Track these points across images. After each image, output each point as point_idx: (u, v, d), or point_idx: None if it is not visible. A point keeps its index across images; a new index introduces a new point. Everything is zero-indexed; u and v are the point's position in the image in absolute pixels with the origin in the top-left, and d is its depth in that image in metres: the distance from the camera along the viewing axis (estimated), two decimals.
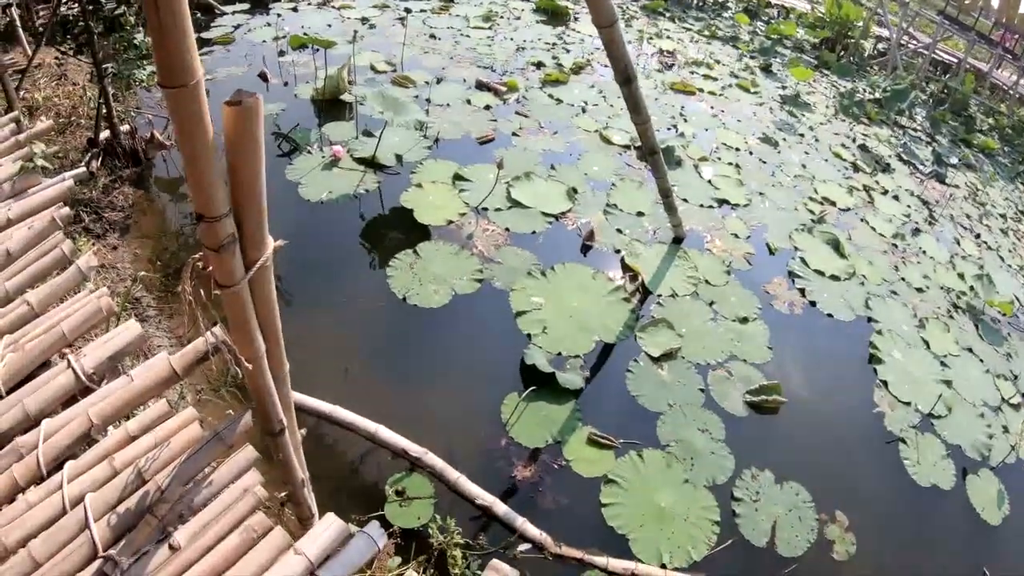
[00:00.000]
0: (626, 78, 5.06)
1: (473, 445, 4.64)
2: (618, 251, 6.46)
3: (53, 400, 2.94)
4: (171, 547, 2.59)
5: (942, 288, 7.81)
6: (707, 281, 6.31)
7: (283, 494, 3.79)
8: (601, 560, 4.15)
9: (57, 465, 2.74)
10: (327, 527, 2.79)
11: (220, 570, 2.58)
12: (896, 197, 9.47)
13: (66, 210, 4.12)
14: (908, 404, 5.97)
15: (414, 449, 4.28)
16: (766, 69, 13.20)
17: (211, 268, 2.02)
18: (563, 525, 4.30)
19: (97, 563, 2.47)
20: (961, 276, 8.22)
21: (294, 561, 2.64)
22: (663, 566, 4.30)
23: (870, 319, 6.66)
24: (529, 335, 5.37)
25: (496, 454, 4.60)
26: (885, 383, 6.05)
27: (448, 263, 5.81)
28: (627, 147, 8.28)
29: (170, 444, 2.85)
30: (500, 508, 4.17)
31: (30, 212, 4.04)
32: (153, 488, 2.66)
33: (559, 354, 5.31)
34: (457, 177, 6.82)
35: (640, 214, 7.04)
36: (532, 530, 4.15)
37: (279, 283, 5.39)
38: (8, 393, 2.95)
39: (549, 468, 4.60)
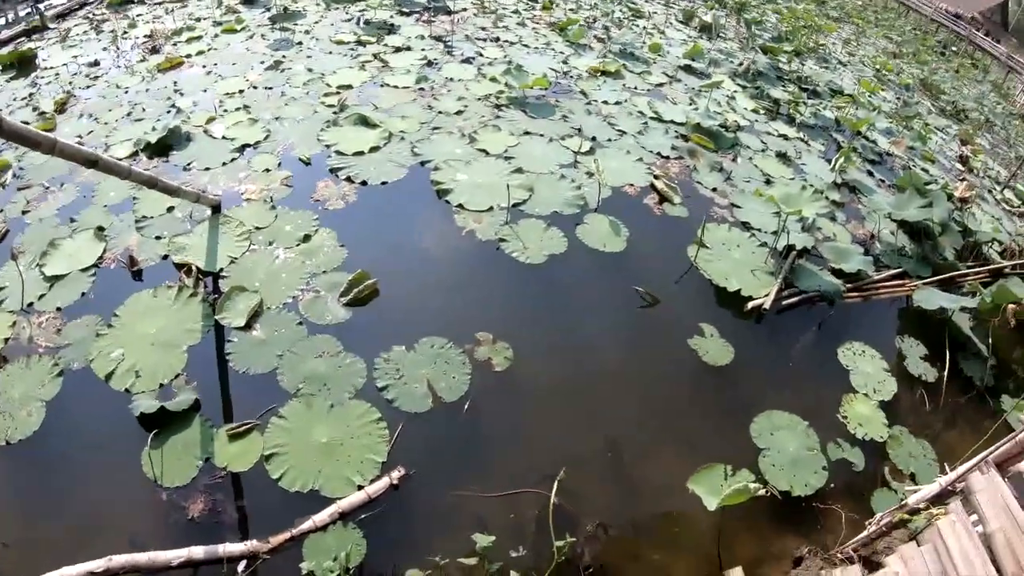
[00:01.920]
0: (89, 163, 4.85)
1: (142, 519, 4.46)
2: (165, 256, 6.19)
3: None
4: None
5: (480, 99, 8.62)
6: (256, 227, 6.34)
7: None
8: (308, 524, 4.31)
9: None
10: None
11: None
12: (408, 48, 10.19)
13: None
14: (491, 209, 6.60)
15: (97, 565, 4.10)
16: (248, 1, 13.11)
17: None
18: (259, 522, 4.37)
19: None
20: (493, 80, 9.16)
21: None
22: (360, 487, 4.50)
23: (423, 163, 7.23)
24: (127, 389, 5.07)
25: (166, 510, 4.46)
26: (461, 205, 6.62)
27: (24, 380, 5.26)
28: (134, 153, 7.84)
29: None
30: (198, 552, 4.18)
31: None
32: None
33: (162, 385, 5.09)
34: None
35: (170, 209, 6.79)
36: (237, 547, 4.20)
37: None
38: None
39: (215, 485, 4.56)
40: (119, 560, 4.12)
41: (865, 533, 4.51)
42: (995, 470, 4.08)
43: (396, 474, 4.56)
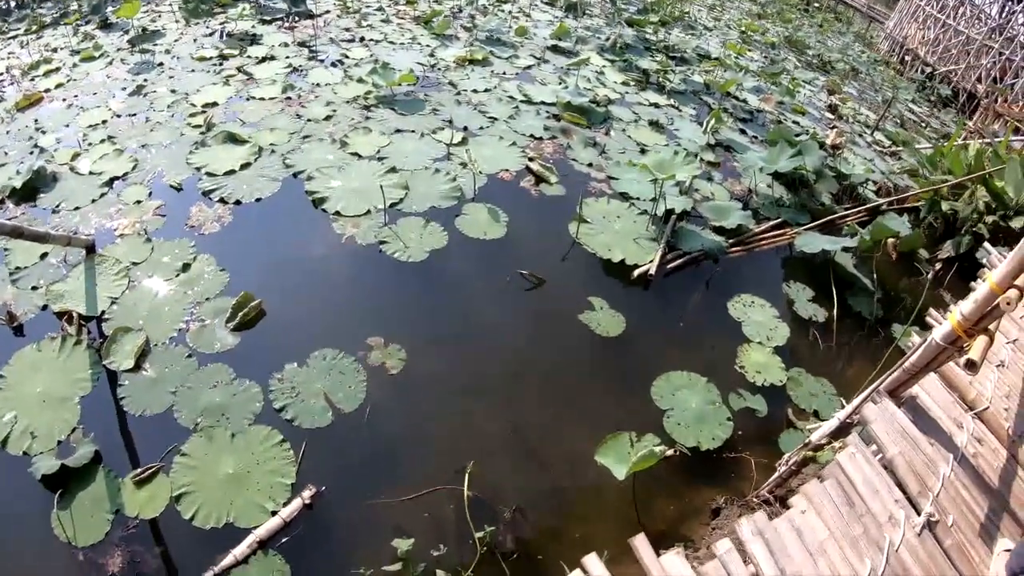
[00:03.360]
0: None
1: None
2: (44, 306, 6.06)
3: None
4: None
5: (348, 102, 8.69)
6: (133, 263, 6.26)
7: None
8: (228, 559, 4.31)
9: None
10: None
11: None
12: (272, 57, 10.10)
13: None
14: (368, 213, 6.73)
15: None
16: (105, 25, 12.67)
17: None
18: (181, 565, 4.36)
19: None
20: (360, 81, 9.19)
21: None
22: (274, 512, 4.56)
23: (295, 174, 7.30)
24: (25, 452, 4.98)
25: (84, 571, 4.36)
26: (338, 212, 6.73)
27: None
28: (0, 200, 7.59)
29: None
30: None
31: None
32: None
33: (59, 442, 5.01)
34: None
35: (44, 256, 6.59)
36: None
37: None
38: None
39: (130, 536, 4.50)
40: None
41: (776, 475, 4.84)
42: (888, 398, 4.49)
43: (307, 493, 4.63)
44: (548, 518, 4.73)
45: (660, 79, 11.25)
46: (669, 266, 6.74)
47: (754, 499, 4.74)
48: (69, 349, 5.62)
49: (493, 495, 4.74)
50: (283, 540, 4.43)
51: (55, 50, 11.91)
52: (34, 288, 6.27)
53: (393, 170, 7.31)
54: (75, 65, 10.91)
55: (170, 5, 13.34)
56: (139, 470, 4.81)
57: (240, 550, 4.35)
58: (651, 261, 6.63)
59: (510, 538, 4.54)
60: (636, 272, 6.56)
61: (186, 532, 4.53)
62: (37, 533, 4.60)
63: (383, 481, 4.80)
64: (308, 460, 4.86)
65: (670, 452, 4.94)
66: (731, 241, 7.20)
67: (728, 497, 4.88)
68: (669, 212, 7.33)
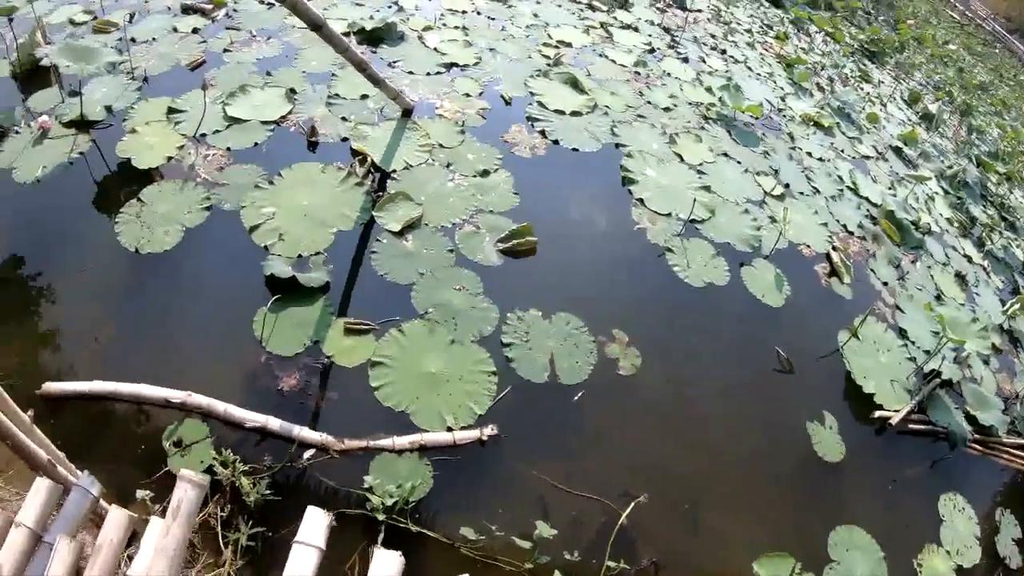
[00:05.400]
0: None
1: (234, 371, 4.64)
2: (345, 139, 6.40)
3: None
4: None
5: (691, 104, 8.48)
6: (440, 145, 6.42)
7: None
8: (386, 442, 4.31)
9: None
10: (37, 492, 2.76)
11: None
12: (636, 29, 10.10)
13: None
14: (668, 215, 6.49)
15: (175, 395, 4.28)
16: None
17: None
18: (341, 421, 4.43)
19: None
20: (709, 90, 8.95)
21: (16, 535, 2.63)
22: (449, 429, 4.50)
23: (618, 145, 7.12)
24: (266, 246, 5.30)
25: (258, 372, 4.61)
26: (642, 200, 6.51)
27: (174, 201, 5.58)
28: (346, 34, 8.10)
29: None
30: (274, 424, 4.26)
31: None
32: None
33: (300, 256, 5.27)
34: (171, 110, 6.46)
35: (364, 97, 6.99)
36: (312, 435, 4.25)
37: (14, 282, 5.12)
38: None
39: (313, 369, 4.67)
40: (197, 399, 4.27)
41: None
42: None
43: (488, 431, 4.51)
44: None
45: (984, 234, 10.17)
46: (909, 424, 6.03)
47: None
48: (349, 185, 5.86)
49: (642, 535, 4.42)
50: (442, 457, 4.35)
51: None
52: (343, 119, 6.61)
53: (707, 189, 7.00)
54: None
55: None
56: (356, 320, 4.91)
57: (401, 441, 4.33)
58: (897, 411, 5.93)
59: None
60: (878, 413, 5.88)
61: (362, 396, 4.58)
62: (238, 318, 4.86)
63: (558, 462, 4.60)
64: (503, 402, 4.73)
65: None
66: (976, 436, 6.33)
67: None
68: (934, 373, 6.56)
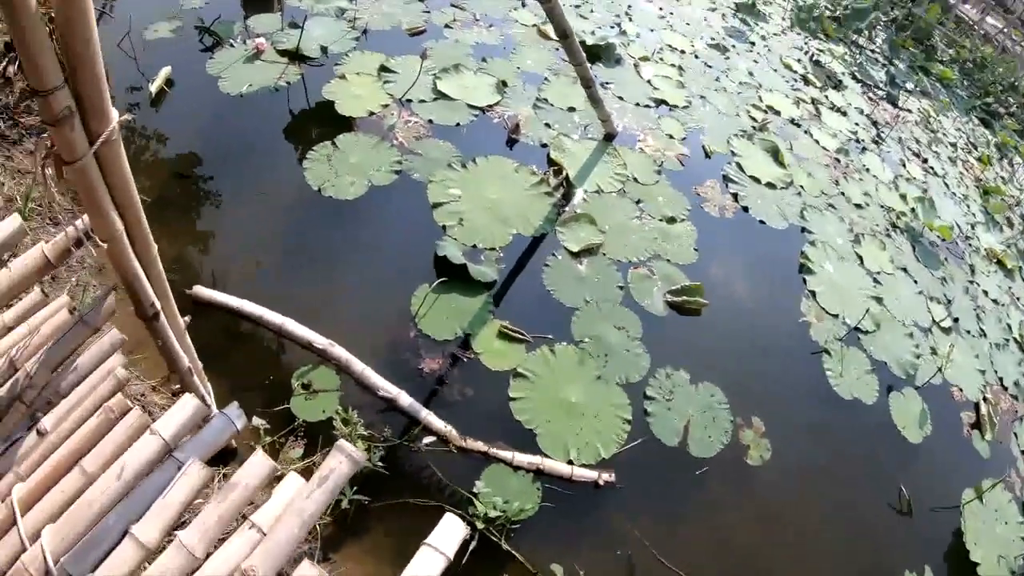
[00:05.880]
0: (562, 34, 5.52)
1: (381, 337, 4.78)
2: (544, 145, 6.53)
3: None
4: (39, 432, 2.73)
5: (882, 207, 8.21)
6: (635, 179, 6.46)
7: (177, 386, 3.85)
8: (507, 454, 4.36)
9: None
10: (183, 408, 2.85)
11: (82, 452, 2.69)
12: (844, 113, 9.83)
13: None
14: (836, 316, 6.32)
15: (319, 341, 4.42)
16: None
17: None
18: (469, 418, 4.49)
19: None
20: (903, 197, 8.64)
21: (149, 441, 2.71)
22: (570, 462, 4.52)
23: (804, 229, 6.98)
24: (444, 227, 5.46)
25: (404, 346, 4.74)
26: (813, 293, 6.39)
27: (367, 155, 5.83)
28: None
29: (40, 331, 2.97)
30: (405, 400, 4.35)
31: None
32: (23, 375, 2.77)
33: (474, 246, 5.42)
34: (383, 68, 6.77)
35: (571, 109, 7.11)
36: (437, 422, 4.33)
37: (194, 180, 5.41)
38: None
39: (458, 361, 4.78)
40: (339, 351, 4.42)
41: None
42: None
43: (606, 476, 4.52)
44: None
45: None
46: None
47: None
48: (538, 192, 5.97)
49: None
50: (554, 487, 4.36)
51: None
52: (547, 125, 6.74)
53: (878, 300, 6.79)
54: None
55: (783, 2, 13.50)
56: (512, 326, 4.97)
57: (521, 458, 4.36)
58: None
59: None
60: None
61: (497, 402, 4.64)
62: (397, 287, 5.02)
63: (660, 527, 4.54)
64: (628, 452, 4.72)
65: None
66: None
67: None
68: None
